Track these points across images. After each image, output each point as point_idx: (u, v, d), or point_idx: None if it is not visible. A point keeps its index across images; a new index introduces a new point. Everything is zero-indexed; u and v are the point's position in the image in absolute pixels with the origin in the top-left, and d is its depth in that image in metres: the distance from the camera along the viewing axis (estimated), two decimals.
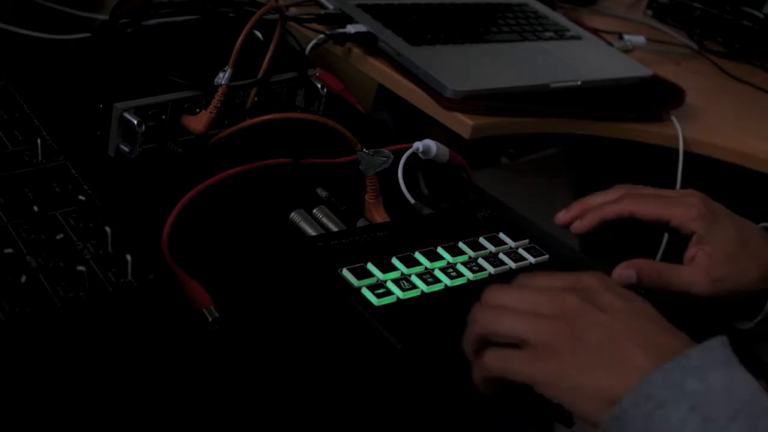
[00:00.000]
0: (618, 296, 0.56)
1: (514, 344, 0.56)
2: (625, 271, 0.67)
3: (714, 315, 0.67)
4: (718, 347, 0.52)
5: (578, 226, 0.74)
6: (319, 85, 0.86)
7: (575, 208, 0.74)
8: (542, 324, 0.55)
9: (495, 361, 0.56)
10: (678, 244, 0.73)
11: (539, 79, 1.07)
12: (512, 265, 0.72)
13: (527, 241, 0.76)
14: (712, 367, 0.50)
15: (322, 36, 1.04)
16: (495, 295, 0.59)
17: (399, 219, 0.76)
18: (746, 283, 0.69)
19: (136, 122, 0.72)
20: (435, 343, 0.63)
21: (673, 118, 1.14)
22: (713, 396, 0.49)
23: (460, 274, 0.69)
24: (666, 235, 1.19)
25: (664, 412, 0.49)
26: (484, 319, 0.57)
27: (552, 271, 0.61)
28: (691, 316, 0.68)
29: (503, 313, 0.57)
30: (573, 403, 0.53)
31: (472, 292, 0.68)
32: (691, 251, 0.70)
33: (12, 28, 0.85)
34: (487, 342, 0.57)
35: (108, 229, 0.61)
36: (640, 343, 0.53)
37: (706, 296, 0.68)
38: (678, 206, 0.72)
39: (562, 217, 0.73)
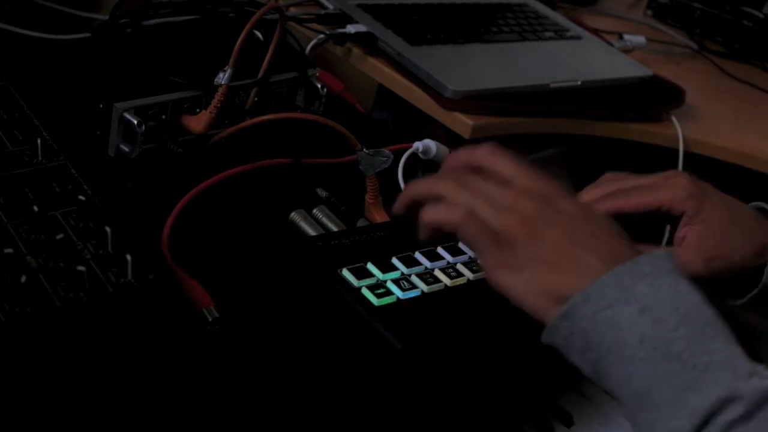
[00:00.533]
0: (578, 205, 0.58)
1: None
2: None
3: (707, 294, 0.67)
4: (666, 258, 0.54)
5: None
6: (319, 85, 0.86)
7: None
8: (506, 215, 0.56)
9: (468, 222, 0.57)
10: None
11: (539, 79, 1.07)
12: None
13: None
14: (661, 275, 0.52)
15: (322, 36, 1.04)
16: (467, 176, 0.59)
17: (399, 219, 0.76)
18: (739, 259, 0.69)
19: (136, 122, 0.72)
20: (435, 343, 0.63)
21: (673, 118, 1.14)
22: (662, 301, 0.51)
23: (460, 274, 0.69)
24: (667, 233, 1.19)
25: (613, 312, 0.51)
26: (452, 185, 0.58)
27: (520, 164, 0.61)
28: None
29: (472, 189, 0.57)
30: (520, 296, 0.55)
31: (472, 292, 0.68)
32: (681, 231, 0.70)
33: (12, 28, 0.85)
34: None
35: (108, 229, 0.61)
36: (594, 246, 0.54)
37: (701, 276, 0.67)
38: (664, 190, 0.70)
39: None
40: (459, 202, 0.57)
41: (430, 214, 0.59)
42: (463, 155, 0.62)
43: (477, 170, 0.61)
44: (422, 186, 0.61)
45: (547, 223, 0.55)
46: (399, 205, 0.62)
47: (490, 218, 0.56)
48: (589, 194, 0.72)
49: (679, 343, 0.50)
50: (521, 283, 0.55)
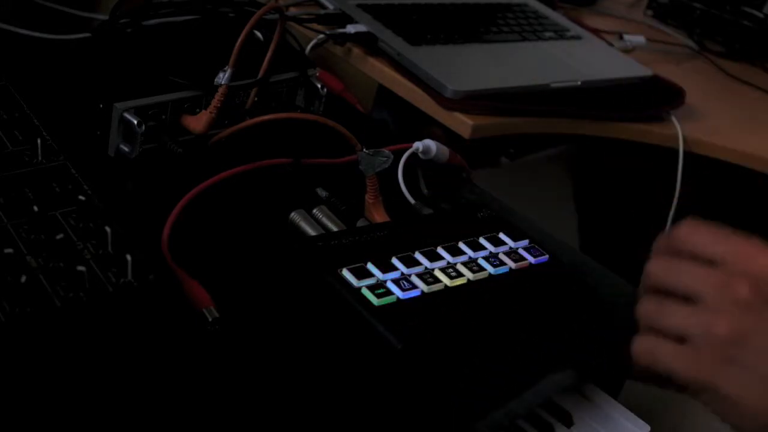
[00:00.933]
0: None
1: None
2: None
3: None
4: None
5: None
6: (319, 85, 0.86)
7: None
8: (706, 320, 0.49)
9: (652, 356, 0.52)
10: None
11: (539, 79, 1.07)
12: (512, 265, 0.72)
13: (527, 241, 0.76)
14: None
15: (322, 36, 1.04)
16: (663, 273, 0.54)
17: (399, 219, 0.76)
18: None
19: (136, 122, 0.72)
20: (435, 343, 0.63)
21: (673, 118, 1.14)
22: None
23: (460, 274, 0.69)
24: (668, 230, 1.19)
25: None
26: (650, 309, 0.53)
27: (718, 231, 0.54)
28: None
29: (668, 309, 0.52)
30: (725, 415, 0.49)
31: (472, 292, 0.68)
32: None
33: (12, 28, 0.85)
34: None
35: (108, 229, 0.61)
36: None
37: None
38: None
39: None
40: (660, 331, 0.52)
41: (637, 356, 0.53)
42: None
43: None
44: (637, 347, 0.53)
45: (758, 324, 0.48)
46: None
47: (691, 332, 0.50)
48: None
49: None
50: (724, 404, 0.49)
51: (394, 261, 0.68)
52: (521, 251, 0.74)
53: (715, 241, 0.53)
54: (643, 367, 0.52)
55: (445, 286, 0.68)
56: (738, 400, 0.48)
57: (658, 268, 0.54)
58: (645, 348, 0.52)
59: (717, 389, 0.49)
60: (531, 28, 1.21)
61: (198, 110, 0.77)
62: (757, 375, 0.47)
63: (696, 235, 0.54)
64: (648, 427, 0.66)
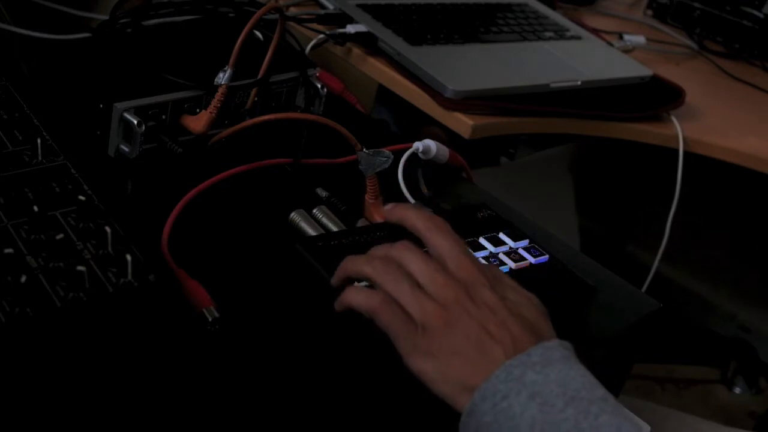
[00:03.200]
0: (495, 294, 0.60)
1: None
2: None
3: None
4: (556, 347, 0.57)
5: None
6: (319, 85, 0.86)
7: None
8: (424, 303, 0.59)
9: (384, 309, 0.60)
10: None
11: (539, 79, 1.07)
12: (512, 265, 0.72)
13: (527, 241, 0.76)
14: (549, 363, 0.55)
15: (322, 36, 1.04)
16: (403, 254, 0.62)
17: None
18: None
19: (136, 122, 0.72)
20: None
21: (673, 118, 1.14)
22: (550, 386, 0.54)
23: None
24: (667, 233, 1.19)
25: (508, 402, 0.54)
26: (384, 271, 0.61)
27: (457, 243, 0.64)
28: None
29: (396, 275, 0.60)
30: (433, 382, 0.57)
31: None
32: None
33: (12, 28, 0.85)
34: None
35: (108, 229, 0.61)
36: (501, 337, 0.57)
37: None
38: None
39: None
40: (382, 287, 0.60)
41: (350, 298, 0.62)
42: (409, 219, 0.66)
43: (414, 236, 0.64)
44: (352, 266, 0.63)
45: (463, 312, 0.58)
46: (335, 281, 0.64)
47: (409, 306, 0.59)
48: None
49: (565, 425, 0.53)
50: (434, 371, 0.57)
51: None
52: (521, 251, 0.74)
53: (447, 240, 0.63)
54: (367, 313, 0.61)
55: None
56: (443, 368, 0.57)
57: (379, 258, 0.63)
58: (380, 302, 0.60)
59: (427, 358, 0.57)
60: (531, 28, 1.21)
61: (198, 110, 0.77)
62: (459, 347, 0.57)
63: (432, 230, 0.64)
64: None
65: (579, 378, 0.55)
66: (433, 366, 0.57)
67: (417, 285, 0.60)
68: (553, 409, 0.53)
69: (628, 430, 0.53)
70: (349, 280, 0.64)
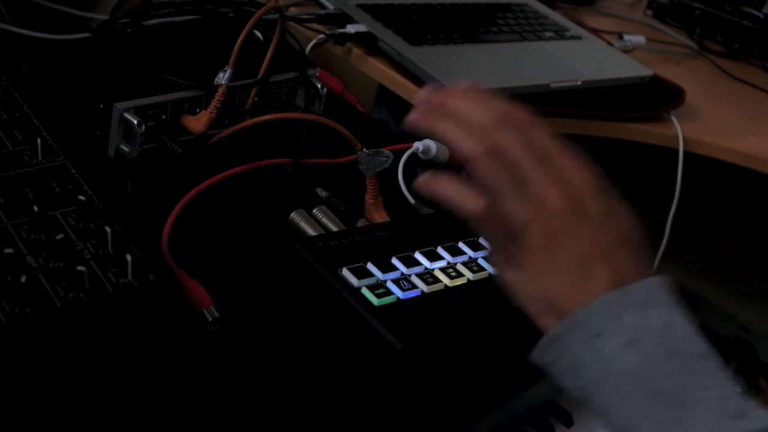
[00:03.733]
0: (604, 206, 0.54)
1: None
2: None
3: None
4: (660, 286, 0.52)
5: None
6: (319, 85, 0.86)
7: None
8: (528, 212, 0.53)
9: (485, 211, 0.55)
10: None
11: (539, 79, 1.07)
12: None
13: None
14: (653, 305, 0.51)
15: (322, 36, 1.04)
16: (502, 136, 0.56)
17: (399, 219, 0.76)
18: None
19: (136, 122, 0.72)
20: (435, 343, 0.63)
21: (673, 118, 1.14)
22: (651, 332, 0.50)
23: (460, 274, 0.69)
24: (667, 233, 1.19)
25: (602, 341, 0.50)
26: (483, 158, 0.56)
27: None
28: None
29: (504, 179, 0.54)
30: (522, 297, 0.54)
31: (472, 291, 0.68)
32: None
33: (12, 28, 0.85)
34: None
35: (108, 229, 0.61)
36: (606, 263, 0.52)
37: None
38: None
39: None
40: (485, 181, 0.54)
41: (449, 190, 0.57)
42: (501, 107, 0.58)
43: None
44: (450, 130, 0.57)
45: (569, 227, 0.52)
46: (415, 117, 0.58)
47: (510, 211, 0.53)
48: None
49: (666, 381, 0.49)
50: (526, 285, 0.53)
51: (394, 261, 0.68)
52: None
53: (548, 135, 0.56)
54: (466, 210, 0.56)
55: (445, 286, 0.68)
56: (539, 288, 0.53)
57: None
58: (486, 203, 0.54)
59: (523, 275, 0.53)
60: (531, 28, 1.21)
61: (198, 110, 0.77)
62: (559, 266, 0.52)
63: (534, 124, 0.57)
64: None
65: (682, 326, 0.51)
66: (524, 279, 0.53)
67: (520, 183, 0.53)
68: (653, 362, 0.49)
69: (730, 404, 0.48)
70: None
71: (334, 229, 0.73)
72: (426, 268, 0.69)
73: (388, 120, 1.07)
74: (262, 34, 0.86)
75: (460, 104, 0.58)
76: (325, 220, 0.73)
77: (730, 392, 0.49)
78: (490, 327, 0.66)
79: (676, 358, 0.49)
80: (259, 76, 0.80)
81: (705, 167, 1.17)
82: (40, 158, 0.67)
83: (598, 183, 0.55)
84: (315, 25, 1.05)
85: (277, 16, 0.81)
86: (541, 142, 0.55)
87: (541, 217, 0.52)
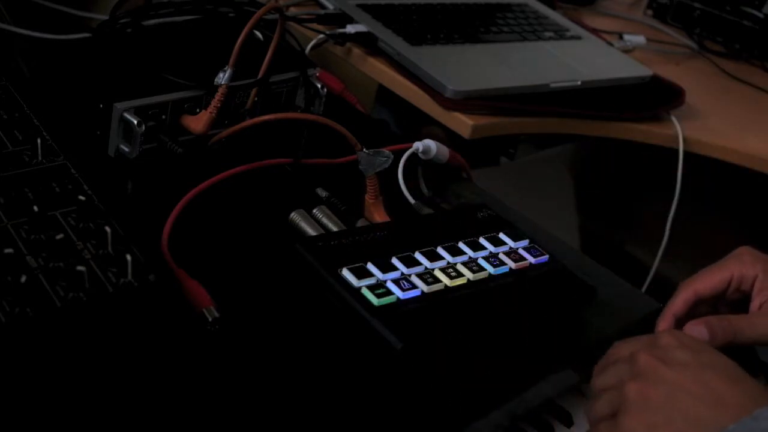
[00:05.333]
0: (689, 350, 0.57)
1: None
2: (696, 328, 0.66)
3: None
4: None
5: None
6: (319, 85, 0.86)
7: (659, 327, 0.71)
8: (613, 393, 0.56)
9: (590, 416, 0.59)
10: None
11: (539, 79, 1.07)
12: (512, 265, 0.72)
13: (527, 241, 0.76)
14: None
15: (322, 36, 1.04)
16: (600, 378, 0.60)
17: (399, 219, 0.76)
18: None
19: (136, 122, 0.72)
20: (435, 343, 0.63)
21: (673, 118, 1.14)
22: None
23: (460, 274, 0.69)
24: (667, 233, 1.19)
25: None
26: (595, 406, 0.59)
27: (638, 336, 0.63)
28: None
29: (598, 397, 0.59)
30: None
31: (472, 291, 0.68)
32: (755, 301, 0.68)
33: (12, 28, 0.85)
34: None
35: (108, 229, 0.61)
36: (703, 396, 0.53)
37: None
38: (730, 262, 0.70)
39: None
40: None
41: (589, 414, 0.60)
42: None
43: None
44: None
45: (655, 378, 0.55)
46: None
47: (604, 398, 0.57)
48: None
49: None
50: None
51: (394, 261, 0.68)
52: (521, 251, 0.74)
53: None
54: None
55: (445, 286, 0.68)
56: None
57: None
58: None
59: None
60: (531, 28, 1.21)
61: (198, 110, 0.77)
62: (658, 416, 0.54)
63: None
64: None
65: None
66: None
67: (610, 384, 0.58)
68: None
69: None
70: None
71: (334, 229, 0.73)
72: (426, 268, 0.69)
73: (388, 120, 1.07)
74: (262, 34, 0.86)
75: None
76: (325, 220, 0.73)
77: None
78: (490, 327, 0.66)
79: None
80: (259, 76, 0.80)
81: (705, 167, 1.17)
82: (40, 158, 0.67)
83: (682, 337, 0.59)
84: (315, 25, 1.05)
85: (277, 16, 0.81)
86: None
87: (628, 384, 0.56)
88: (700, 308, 0.70)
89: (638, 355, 0.57)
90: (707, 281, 0.70)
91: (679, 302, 0.69)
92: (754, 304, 0.69)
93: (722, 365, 0.56)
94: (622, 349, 0.61)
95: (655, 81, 1.20)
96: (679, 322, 0.68)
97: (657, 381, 0.55)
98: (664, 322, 0.69)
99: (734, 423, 0.51)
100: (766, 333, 0.66)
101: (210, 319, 0.60)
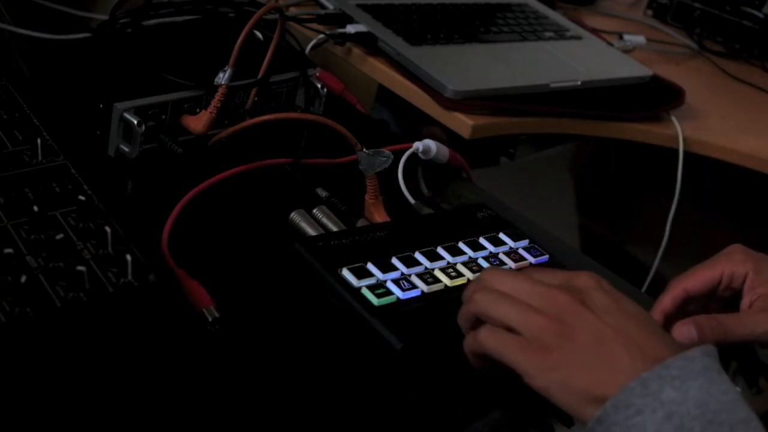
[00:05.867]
0: (609, 297, 0.57)
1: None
2: (684, 328, 0.65)
3: None
4: (698, 357, 0.53)
5: None
6: (319, 85, 0.86)
7: None
8: (535, 318, 0.56)
9: (489, 341, 0.57)
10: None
11: (539, 79, 1.07)
12: (512, 265, 0.72)
13: (527, 241, 0.76)
14: (691, 377, 0.52)
15: (322, 36, 1.04)
16: (493, 277, 0.60)
17: (399, 219, 0.76)
18: None
19: (136, 122, 0.72)
20: (435, 343, 0.63)
21: (673, 118, 1.14)
22: (688, 405, 0.51)
23: (460, 274, 0.69)
24: (667, 233, 1.19)
25: (642, 418, 0.51)
26: (482, 300, 0.59)
27: (551, 268, 0.62)
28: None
29: (499, 299, 0.58)
30: (557, 396, 0.55)
31: None
32: (746, 299, 0.68)
33: (12, 28, 0.85)
34: (479, 320, 0.59)
35: (108, 229, 0.61)
36: (625, 344, 0.54)
37: None
38: (721, 260, 0.70)
39: None
40: (487, 317, 0.58)
41: (465, 347, 0.60)
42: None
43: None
44: (460, 315, 0.61)
45: (577, 320, 0.55)
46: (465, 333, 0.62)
47: (519, 327, 0.56)
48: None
49: None
50: (556, 385, 0.55)
51: (394, 261, 0.68)
52: (521, 251, 0.74)
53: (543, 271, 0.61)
54: (483, 353, 0.58)
55: (445, 286, 0.68)
56: (565, 381, 0.54)
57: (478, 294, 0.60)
58: (489, 337, 0.58)
59: (547, 373, 0.55)
60: (531, 28, 1.21)
61: (198, 110, 0.77)
62: (580, 357, 0.54)
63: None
64: None
65: (720, 396, 0.52)
66: (555, 380, 0.54)
67: (521, 302, 0.57)
68: None
69: None
70: (469, 328, 0.61)
71: (334, 229, 0.73)
72: (426, 268, 0.69)
73: (388, 120, 1.07)
74: (262, 34, 0.86)
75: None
76: (325, 220, 0.73)
77: None
78: None
79: (711, 427, 0.50)
80: (259, 76, 0.80)
81: (705, 167, 1.17)
82: (40, 158, 0.67)
83: (601, 281, 0.58)
84: (315, 25, 1.05)
85: (277, 16, 0.81)
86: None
87: (547, 322, 0.55)
88: (690, 306, 0.70)
89: (558, 293, 0.57)
90: (697, 279, 0.69)
91: (668, 299, 0.69)
92: (745, 302, 0.69)
93: (641, 315, 0.57)
94: (534, 274, 0.60)
95: (655, 81, 1.20)
96: (669, 319, 0.68)
97: (579, 322, 0.55)
98: (660, 319, 0.68)
99: (648, 371, 0.52)
100: (755, 331, 0.66)
101: (210, 319, 0.60)
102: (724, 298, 0.70)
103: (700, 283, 0.69)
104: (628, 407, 0.51)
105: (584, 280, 0.58)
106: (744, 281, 0.69)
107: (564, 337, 0.55)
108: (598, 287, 0.58)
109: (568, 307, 0.56)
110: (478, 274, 0.62)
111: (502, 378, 0.59)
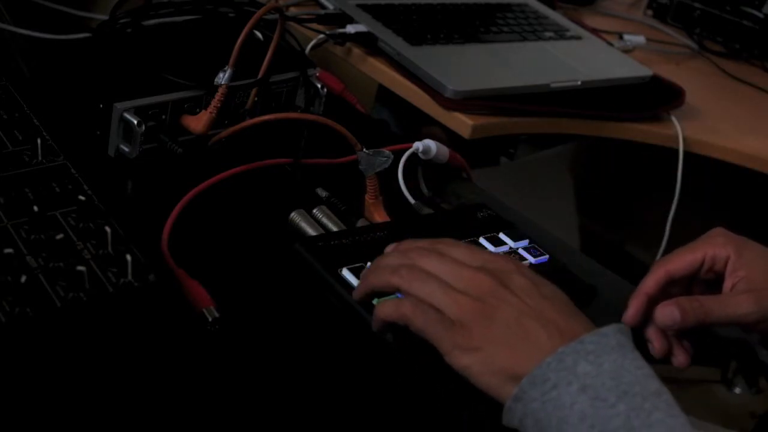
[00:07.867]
0: (529, 280, 0.59)
1: None
2: (667, 308, 0.66)
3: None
4: (612, 334, 0.56)
5: (629, 319, 0.69)
6: (319, 85, 0.86)
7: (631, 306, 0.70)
8: (459, 299, 0.58)
9: (416, 316, 0.58)
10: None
11: (539, 79, 1.07)
12: None
13: (527, 241, 0.76)
14: (605, 352, 0.54)
15: (322, 36, 1.04)
16: (420, 256, 0.61)
17: (399, 219, 0.76)
18: None
19: (136, 122, 0.72)
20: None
21: (673, 118, 1.14)
22: (602, 378, 0.53)
23: None
24: (667, 233, 1.19)
25: (558, 392, 0.53)
26: (408, 276, 0.60)
27: (469, 244, 0.64)
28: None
29: (426, 278, 0.59)
30: (478, 377, 0.56)
31: None
32: (728, 281, 0.69)
33: (12, 28, 0.85)
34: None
35: (108, 229, 0.61)
36: (544, 324, 0.56)
37: (754, 322, 0.66)
38: (703, 243, 0.70)
39: (628, 320, 0.69)
40: (410, 292, 0.59)
41: (381, 313, 0.60)
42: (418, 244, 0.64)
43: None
44: (376, 279, 0.62)
45: (499, 301, 0.57)
46: (357, 295, 0.63)
47: (442, 305, 0.58)
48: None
49: (616, 420, 0.51)
50: (477, 364, 0.56)
51: None
52: (521, 251, 0.74)
53: (463, 248, 0.63)
54: (405, 323, 0.59)
55: None
56: (485, 360, 0.56)
57: (402, 265, 0.61)
58: (415, 309, 0.59)
59: (467, 353, 0.56)
60: (531, 28, 1.21)
61: (198, 110, 0.77)
62: (499, 336, 0.56)
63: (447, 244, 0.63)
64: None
65: (633, 370, 0.54)
66: (476, 360, 0.56)
67: (445, 283, 0.59)
68: (605, 404, 0.52)
69: (681, 430, 0.52)
70: (371, 295, 0.63)
71: (334, 229, 0.73)
72: None
73: (388, 120, 1.07)
74: (262, 34, 0.86)
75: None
76: (325, 220, 0.73)
77: (681, 425, 0.52)
78: None
79: (626, 398, 0.52)
80: (259, 76, 0.80)
81: (705, 167, 1.17)
82: (40, 158, 0.67)
83: (521, 265, 0.61)
84: (315, 25, 1.05)
85: (277, 16, 0.81)
86: (457, 254, 0.61)
87: (471, 302, 0.57)
88: (672, 289, 0.70)
89: (480, 274, 0.58)
90: (679, 261, 0.70)
91: (651, 282, 0.69)
92: (726, 285, 0.69)
93: (559, 297, 0.59)
94: (454, 252, 0.61)
95: (655, 81, 1.20)
96: (651, 302, 0.68)
97: (501, 303, 0.57)
98: (636, 301, 0.68)
99: (563, 346, 0.54)
100: (737, 313, 0.66)
101: (210, 319, 0.60)
102: (706, 281, 0.70)
103: (683, 265, 0.70)
104: (544, 382, 0.53)
105: (504, 263, 0.60)
106: (726, 264, 0.69)
107: (486, 317, 0.57)
108: (517, 270, 0.60)
109: (490, 288, 0.58)
110: (403, 243, 0.63)
111: (404, 349, 0.61)
